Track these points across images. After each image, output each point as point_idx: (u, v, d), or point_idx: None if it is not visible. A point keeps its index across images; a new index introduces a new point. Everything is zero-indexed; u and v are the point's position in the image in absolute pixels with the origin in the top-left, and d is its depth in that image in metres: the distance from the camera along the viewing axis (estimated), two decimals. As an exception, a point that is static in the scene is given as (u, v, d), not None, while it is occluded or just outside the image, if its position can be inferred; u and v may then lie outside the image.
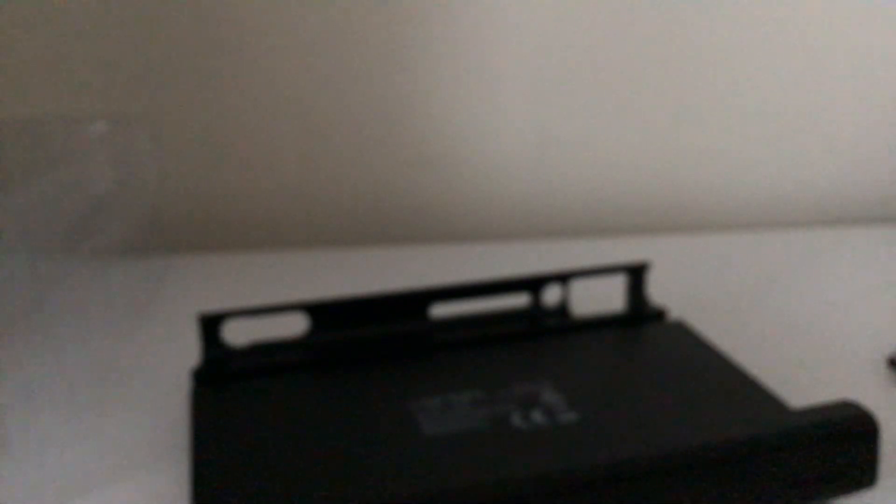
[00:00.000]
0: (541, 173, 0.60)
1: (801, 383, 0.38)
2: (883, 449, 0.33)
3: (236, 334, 0.39)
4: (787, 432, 0.29)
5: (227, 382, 0.36)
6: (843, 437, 0.29)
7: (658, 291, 0.46)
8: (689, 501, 0.28)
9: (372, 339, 0.38)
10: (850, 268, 0.51)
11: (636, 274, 0.41)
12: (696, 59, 0.58)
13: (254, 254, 0.55)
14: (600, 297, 0.42)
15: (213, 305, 0.46)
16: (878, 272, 0.51)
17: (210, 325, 0.36)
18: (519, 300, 0.43)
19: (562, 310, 0.41)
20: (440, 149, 0.59)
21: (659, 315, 0.41)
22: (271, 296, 0.47)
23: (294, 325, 0.40)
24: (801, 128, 0.60)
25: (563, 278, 0.41)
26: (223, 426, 0.33)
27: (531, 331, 0.40)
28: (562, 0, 0.57)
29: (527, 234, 0.60)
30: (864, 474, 0.30)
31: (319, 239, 0.59)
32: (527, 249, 0.55)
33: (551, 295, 0.46)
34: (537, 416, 0.32)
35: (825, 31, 0.58)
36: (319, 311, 0.38)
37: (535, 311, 0.41)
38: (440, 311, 0.42)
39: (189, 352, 0.42)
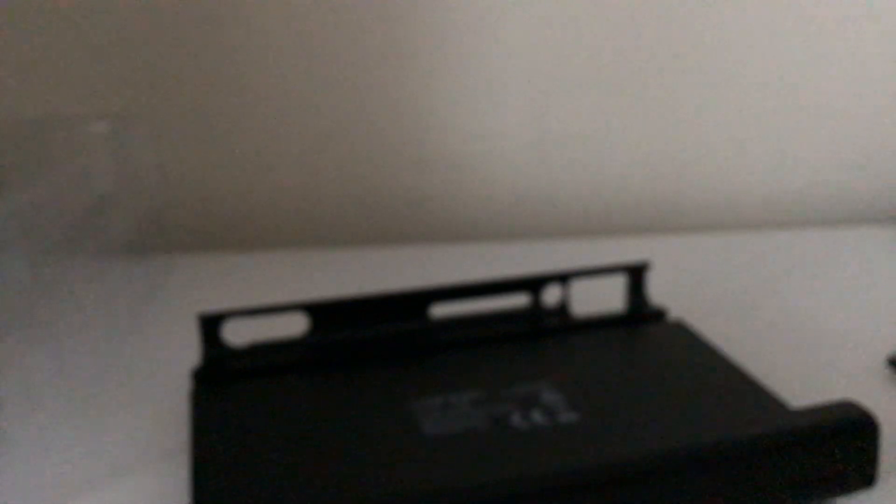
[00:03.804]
0: (541, 173, 0.60)
1: (801, 383, 0.38)
2: (883, 449, 0.33)
3: (236, 334, 0.39)
4: (787, 432, 0.29)
5: (228, 382, 0.36)
6: (843, 437, 0.29)
7: (658, 291, 0.46)
8: (690, 501, 0.28)
9: (372, 339, 0.38)
10: (850, 268, 0.51)
11: (636, 274, 0.41)
12: (697, 59, 0.58)
13: (254, 253, 0.55)
14: (600, 297, 0.42)
15: (214, 305, 0.46)
16: (878, 272, 0.51)
17: (210, 324, 0.36)
18: (519, 300, 0.43)
19: (562, 310, 0.41)
20: (440, 149, 0.59)
21: (659, 315, 0.41)
22: (271, 296, 0.47)
23: (294, 325, 0.40)
24: (801, 128, 0.60)
25: (563, 278, 0.41)
26: (223, 426, 0.33)
27: (531, 331, 0.40)
28: (562, 0, 0.57)
29: (527, 234, 0.60)
30: (864, 474, 0.30)
31: (319, 239, 0.59)
32: (527, 249, 0.55)
33: (551, 295, 0.46)
34: (537, 416, 0.32)
35: (826, 31, 0.58)
36: (319, 311, 0.38)
37: (536, 311, 0.41)
38: (440, 311, 0.42)
39: (189, 352, 0.42)
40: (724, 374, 0.36)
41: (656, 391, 0.34)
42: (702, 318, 0.43)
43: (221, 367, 0.36)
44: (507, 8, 0.56)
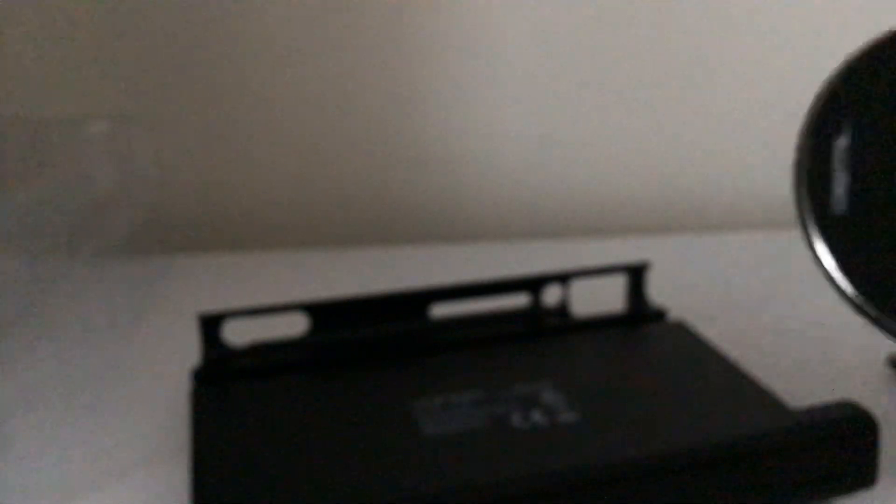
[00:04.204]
0: (541, 173, 0.60)
1: (801, 383, 0.38)
2: (883, 449, 0.33)
3: (236, 334, 0.39)
4: (787, 432, 0.29)
5: (228, 382, 0.36)
6: (843, 437, 0.29)
7: (658, 291, 0.46)
8: (689, 502, 0.28)
9: (372, 339, 0.38)
10: (850, 268, 0.51)
11: (636, 274, 0.41)
12: (697, 59, 0.58)
13: (254, 254, 0.55)
14: (600, 297, 0.42)
15: (214, 305, 0.46)
16: (878, 272, 0.51)
17: (210, 324, 0.36)
18: (519, 300, 0.43)
19: (562, 310, 0.41)
20: (440, 149, 0.59)
21: (659, 315, 0.41)
22: (272, 296, 0.47)
23: (295, 325, 0.40)
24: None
25: (563, 278, 0.40)
26: (223, 426, 0.33)
27: (531, 331, 0.40)
28: (563, 2, 0.57)
29: (527, 234, 0.60)
30: (864, 474, 0.30)
31: (320, 239, 0.59)
32: (527, 249, 0.55)
33: (551, 295, 0.46)
34: (537, 416, 0.32)
35: (826, 33, 0.58)
36: (319, 311, 0.38)
37: (536, 311, 0.41)
38: (440, 311, 0.42)
39: (189, 352, 0.42)
40: (725, 374, 0.36)
41: (656, 391, 0.34)
42: (702, 318, 0.43)
43: (221, 367, 0.36)
44: (508, 8, 0.56)
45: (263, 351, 0.37)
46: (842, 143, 0.25)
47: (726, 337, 0.42)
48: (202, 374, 0.36)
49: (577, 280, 0.42)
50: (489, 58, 0.57)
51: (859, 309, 0.25)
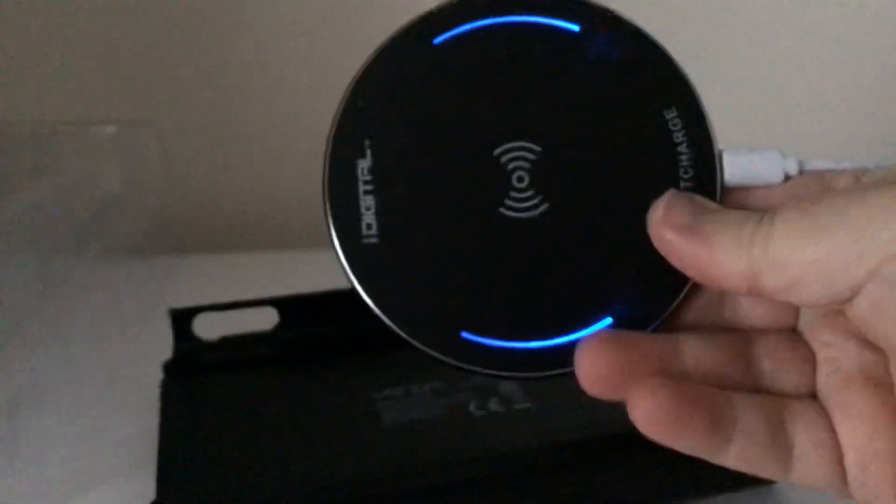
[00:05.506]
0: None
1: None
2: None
3: (218, 330, 0.39)
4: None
5: (197, 375, 0.36)
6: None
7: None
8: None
9: (337, 332, 0.38)
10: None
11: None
12: (696, 57, 0.57)
13: (260, 254, 0.55)
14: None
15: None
16: None
17: (181, 319, 0.37)
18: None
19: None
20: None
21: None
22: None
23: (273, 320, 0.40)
24: (800, 126, 0.59)
25: None
26: (191, 417, 0.33)
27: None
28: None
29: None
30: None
31: (324, 240, 0.59)
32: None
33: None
34: (494, 405, 0.32)
35: (826, 29, 0.57)
36: (287, 306, 0.38)
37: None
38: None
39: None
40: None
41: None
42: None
43: (192, 360, 0.37)
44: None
45: (233, 344, 0.38)
46: (364, 164, 0.22)
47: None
48: (172, 368, 0.36)
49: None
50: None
51: (411, 345, 0.23)
